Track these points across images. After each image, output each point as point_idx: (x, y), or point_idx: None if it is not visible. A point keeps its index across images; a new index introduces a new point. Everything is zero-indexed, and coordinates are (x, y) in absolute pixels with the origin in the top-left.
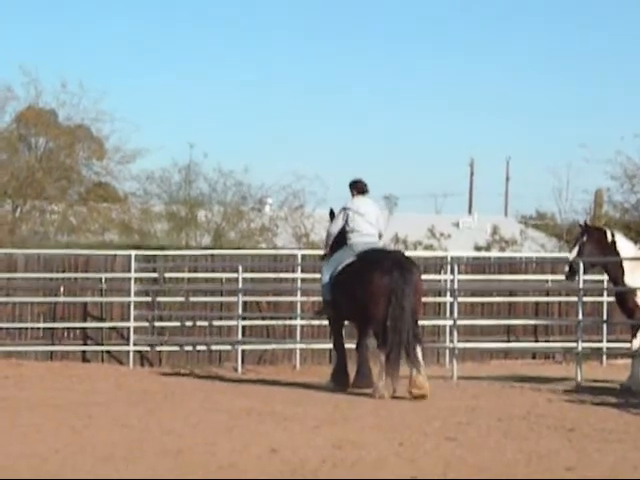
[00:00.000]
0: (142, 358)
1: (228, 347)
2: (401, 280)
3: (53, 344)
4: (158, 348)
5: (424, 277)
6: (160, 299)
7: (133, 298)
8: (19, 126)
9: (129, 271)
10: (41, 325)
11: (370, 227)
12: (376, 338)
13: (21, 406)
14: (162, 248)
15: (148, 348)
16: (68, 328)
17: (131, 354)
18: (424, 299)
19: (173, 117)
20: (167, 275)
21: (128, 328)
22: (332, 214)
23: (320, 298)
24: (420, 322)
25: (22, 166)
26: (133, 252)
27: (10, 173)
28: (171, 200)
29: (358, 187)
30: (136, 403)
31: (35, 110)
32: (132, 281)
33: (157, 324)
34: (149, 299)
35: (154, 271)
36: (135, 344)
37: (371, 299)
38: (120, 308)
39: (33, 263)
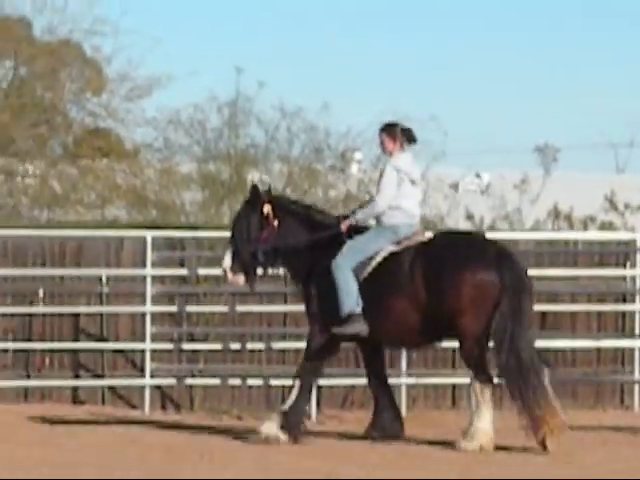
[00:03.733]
0: (163, 397)
1: (288, 382)
2: (515, 277)
3: (28, 377)
4: (188, 382)
5: (598, 272)
6: (191, 308)
7: (149, 307)
8: None
9: (143, 265)
10: (9, 347)
11: (418, 201)
12: (470, 366)
13: None
14: (193, 228)
15: (173, 382)
16: (51, 351)
17: (147, 392)
18: (594, 307)
19: (210, 27)
20: (201, 271)
21: (142, 352)
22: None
23: None
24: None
25: None
26: (149, 234)
27: None
28: (206, 155)
29: (409, 135)
30: (156, 470)
31: None
32: (148, 280)
33: (186, 346)
34: (174, 308)
35: (181, 265)
36: (153, 376)
37: (469, 306)
38: (130, 322)
39: None
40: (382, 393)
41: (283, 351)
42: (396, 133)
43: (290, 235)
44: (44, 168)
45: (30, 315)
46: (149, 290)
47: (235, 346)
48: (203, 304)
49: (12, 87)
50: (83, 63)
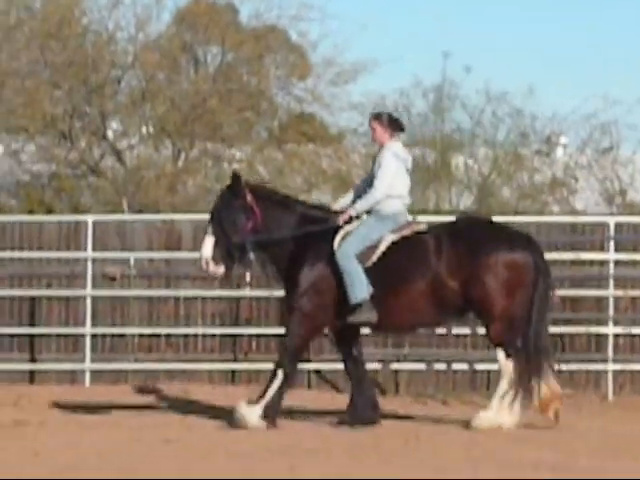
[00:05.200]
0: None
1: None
2: (544, 261)
3: (235, 360)
4: (393, 366)
5: None
6: None
7: None
8: (181, 30)
9: None
10: (217, 332)
11: (408, 190)
12: (502, 345)
13: None
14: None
15: (378, 367)
16: (258, 336)
17: None
18: None
19: (417, 12)
20: None
21: None
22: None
23: None
24: None
25: (187, 90)
26: None
27: (169, 101)
28: (412, 140)
29: (398, 124)
30: (364, 455)
31: (205, 4)
32: None
33: None
34: None
35: None
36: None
37: (503, 289)
38: None
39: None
40: (357, 378)
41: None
42: (386, 121)
43: (276, 226)
44: (250, 153)
45: (237, 299)
46: None
47: (440, 330)
48: None
49: (219, 73)
50: (288, 49)
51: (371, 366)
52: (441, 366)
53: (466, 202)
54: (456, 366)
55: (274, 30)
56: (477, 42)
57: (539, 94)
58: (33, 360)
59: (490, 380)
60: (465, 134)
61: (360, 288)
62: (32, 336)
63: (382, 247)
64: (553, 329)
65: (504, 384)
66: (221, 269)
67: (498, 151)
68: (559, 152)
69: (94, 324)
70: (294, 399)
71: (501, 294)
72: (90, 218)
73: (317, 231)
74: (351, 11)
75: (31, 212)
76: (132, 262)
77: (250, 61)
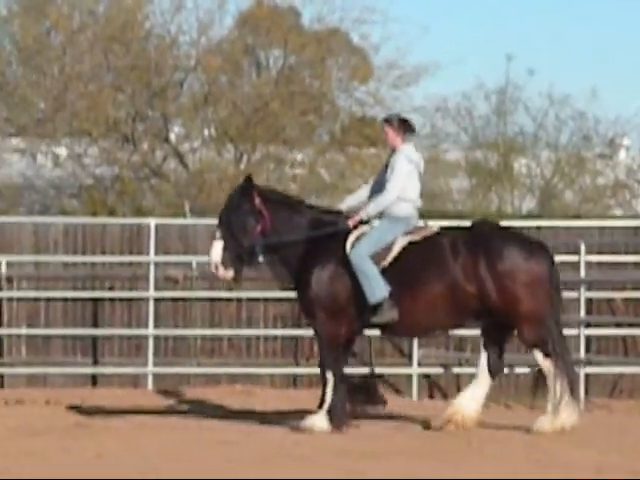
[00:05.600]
0: (431, 385)
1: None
2: (555, 267)
3: (297, 364)
4: (455, 370)
5: None
6: None
7: None
8: (244, 33)
9: None
10: (279, 334)
11: (418, 192)
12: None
13: None
14: (460, 216)
15: (440, 371)
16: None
17: (415, 379)
18: None
19: (479, 15)
20: None
21: (410, 340)
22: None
23: None
24: None
25: (249, 94)
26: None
27: (232, 104)
28: (474, 143)
29: (409, 126)
30: (426, 457)
31: (267, 8)
32: None
33: (454, 334)
34: None
35: None
36: (420, 364)
37: (529, 289)
38: None
39: None
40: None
41: None
42: (397, 125)
43: (286, 228)
44: (313, 156)
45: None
46: None
47: None
48: None
49: (281, 76)
50: (351, 52)
51: (433, 370)
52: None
53: (528, 205)
54: (519, 370)
55: (336, 33)
56: (540, 45)
57: (602, 97)
58: (96, 363)
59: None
60: (528, 137)
61: (378, 288)
62: (95, 338)
63: (396, 249)
64: (616, 332)
65: (552, 386)
66: (230, 273)
67: (561, 154)
68: (622, 155)
69: (156, 326)
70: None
71: (524, 297)
72: (152, 221)
73: (328, 233)
74: (413, 14)
75: (94, 215)
76: (194, 265)
77: (312, 64)
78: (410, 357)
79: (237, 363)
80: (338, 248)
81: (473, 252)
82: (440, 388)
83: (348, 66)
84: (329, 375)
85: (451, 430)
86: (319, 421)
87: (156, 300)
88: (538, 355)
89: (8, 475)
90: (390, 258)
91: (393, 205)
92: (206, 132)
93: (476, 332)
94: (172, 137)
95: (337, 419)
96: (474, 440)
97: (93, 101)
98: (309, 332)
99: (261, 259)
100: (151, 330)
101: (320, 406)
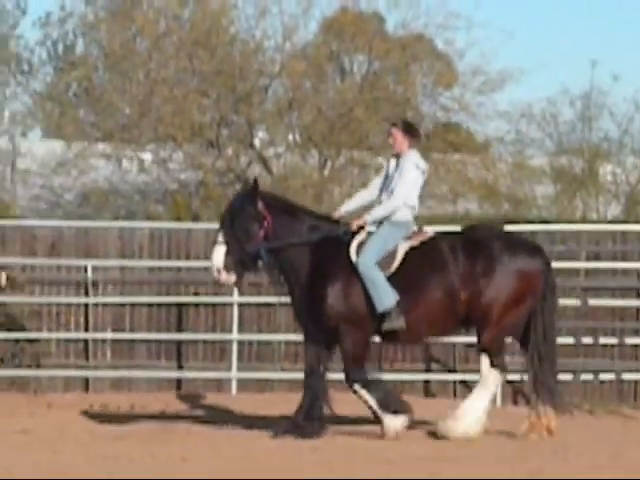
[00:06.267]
0: (515, 391)
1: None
2: (550, 270)
3: (381, 370)
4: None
5: None
6: None
7: None
8: (328, 39)
9: None
10: None
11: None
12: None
13: None
14: (545, 222)
15: (524, 377)
16: (404, 345)
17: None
18: None
19: (564, 20)
20: (553, 266)
21: None
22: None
23: None
24: None
25: (333, 99)
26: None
27: (316, 109)
28: (559, 149)
29: (415, 131)
30: (513, 464)
31: (352, 14)
32: None
33: None
34: None
35: None
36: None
37: (523, 295)
38: None
39: None
40: (312, 385)
41: (636, 346)
42: (404, 130)
43: (287, 234)
44: None
45: None
46: None
47: (587, 340)
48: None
49: (365, 82)
50: (435, 58)
51: (515, 377)
52: (588, 376)
53: (614, 211)
54: (603, 376)
55: (421, 39)
56: (625, 50)
57: None
58: (180, 367)
59: (637, 390)
60: (613, 143)
61: (386, 295)
62: (179, 343)
63: (400, 255)
64: None
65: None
66: (233, 278)
67: None
68: None
69: (240, 331)
70: (440, 409)
71: (514, 302)
72: None
73: (331, 238)
74: (498, 19)
75: (179, 220)
76: None
77: (396, 70)
78: None
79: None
80: (342, 253)
81: (469, 257)
82: (524, 395)
83: (432, 72)
84: (357, 387)
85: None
86: (392, 421)
87: (240, 305)
88: (485, 361)
89: (94, 476)
90: (395, 265)
91: (397, 210)
92: (290, 137)
93: (562, 339)
94: (256, 142)
95: (398, 409)
96: (559, 447)
97: (178, 106)
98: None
99: (261, 263)
100: (235, 335)
101: (377, 418)
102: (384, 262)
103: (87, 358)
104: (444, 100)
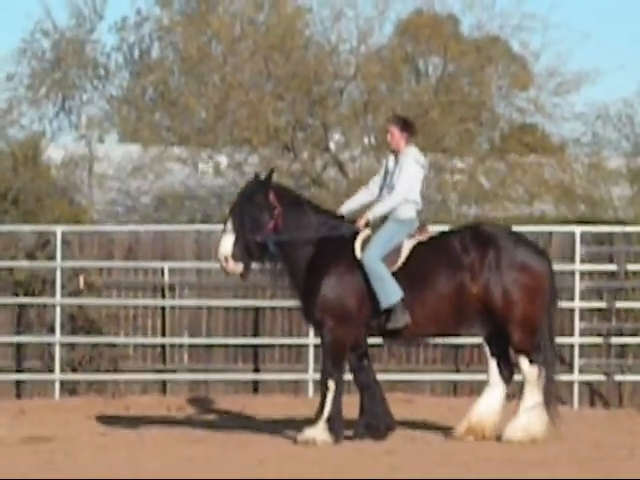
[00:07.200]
0: (592, 393)
1: None
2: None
3: (457, 371)
4: (617, 378)
5: None
6: (620, 303)
7: (578, 302)
8: (403, 41)
9: (571, 260)
10: (439, 342)
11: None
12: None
13: None
14: (622, 223)
15: (602, 378)
16: (479, 346)
17: (576, 387)
18: None
19: (638, 19)
20: (630, 266)
21: (571, 347)
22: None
23: None
24: None
25: (409, 102)
26: (577, 229)
27: (391, 112)
28: (636, 150)
29: (413, 127)
30: (590, 465)
31: (427, 16)
32: (576, 275)
33: (615, 342)
34: (602, 304)
35: (610, 260)
36: (582, 372)
37: (532, 294)
38: (558, 317)
39: None
40: (368, 387)
41: None
42: (402, 126)
43: (297, 227)
44: (472, 163)
45: None
46: (577, 284)
47: None
48: (632, 299)
49: (441, 84)
50: (510, 60)
51: (594, 377)
52: None
53: None
54: None
55: (496, 40)
56: None
57: None
58: (257, 370)
59: None
60: None
61: (392, 291)
62: (256, 346)
63: (405, 252)
64: None
65: (528, 392)
66: (240, 267)
67: None
68: None
69: (317, 335)
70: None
71: (523, 301)
72: None
73: (336, 235)
74: (574, 20)
75: None
76: None
77: (472, 72)
78: (571, 365)
79: (397, 370)
80: (347, 250)
81: (478, 254)
82: (601, 396)
83: (508, 74)
84: (331, 384)
85: (470, 441)
86: (320, 433)
87: None
88: (524, 362)
89: (171, 477)
90: (401, 261)
91: (399, 207)
92: (366, 140)
93: (638, 339)
94: (332, 145)
95: (336, 430)
96: (637, 448)
97: (253, 109)
98: (469, 339)
99: (269, 255)
100: (312, 339)
101: (317, 417)
102: (389, 258)
103: (164, 362)
104: (519, 102)
